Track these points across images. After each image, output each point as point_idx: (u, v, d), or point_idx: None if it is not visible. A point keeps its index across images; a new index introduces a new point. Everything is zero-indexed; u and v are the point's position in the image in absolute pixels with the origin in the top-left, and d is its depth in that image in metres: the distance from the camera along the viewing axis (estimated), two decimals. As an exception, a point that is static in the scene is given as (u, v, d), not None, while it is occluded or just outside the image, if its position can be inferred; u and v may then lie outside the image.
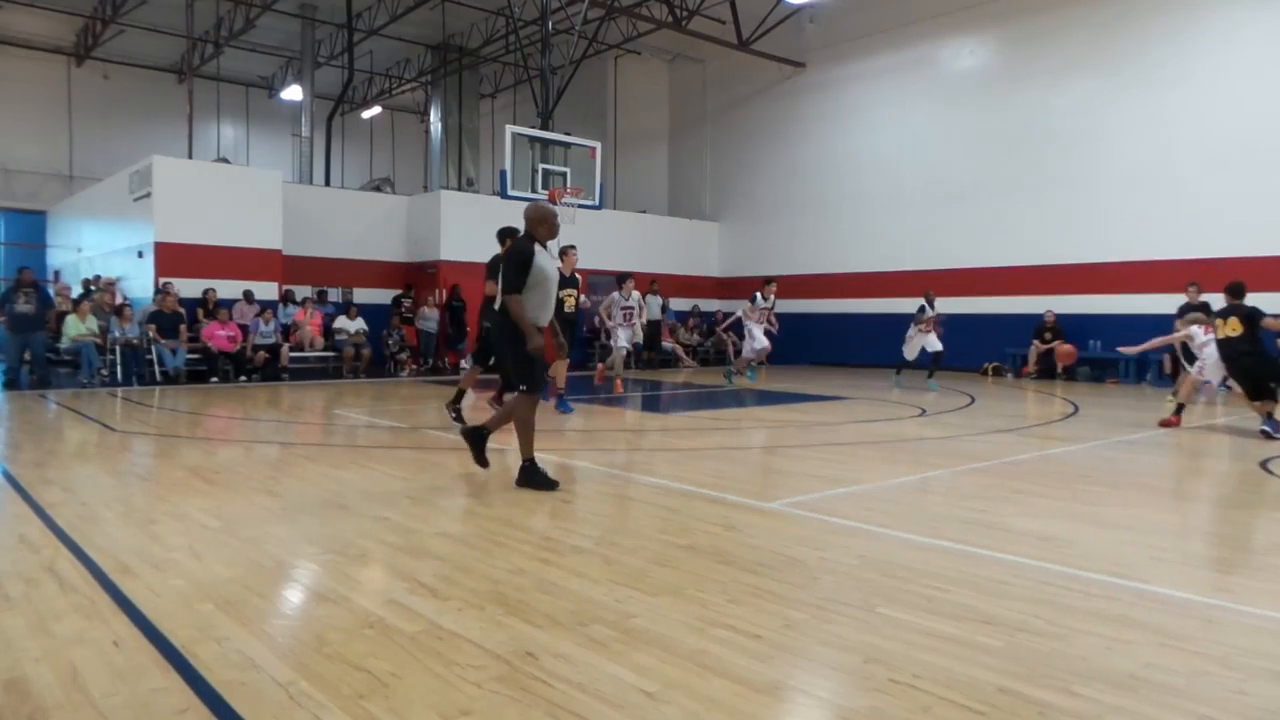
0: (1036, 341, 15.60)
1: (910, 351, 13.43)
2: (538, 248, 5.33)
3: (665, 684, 2.50)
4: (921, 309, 13.39)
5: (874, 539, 4.30)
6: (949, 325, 13.89)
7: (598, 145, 15.32)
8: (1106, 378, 14.94)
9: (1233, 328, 8.32)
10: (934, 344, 13.24)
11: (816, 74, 20.05)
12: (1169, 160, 14.51)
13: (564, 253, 9.36)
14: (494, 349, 5.73)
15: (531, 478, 5.34)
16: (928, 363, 13.33)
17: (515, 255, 5.27)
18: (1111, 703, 2.41)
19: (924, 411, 10.19)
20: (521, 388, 5.33)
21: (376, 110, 26.75)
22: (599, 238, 17.84)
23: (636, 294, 12.12)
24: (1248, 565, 3.99)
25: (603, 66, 22.64)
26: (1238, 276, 13.42)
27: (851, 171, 19.11)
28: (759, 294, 13.73)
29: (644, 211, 21.74)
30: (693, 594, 3.33)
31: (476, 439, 5.60)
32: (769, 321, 13.80)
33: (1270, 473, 6.35)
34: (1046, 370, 15.43)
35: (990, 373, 12.98)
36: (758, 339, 13.68)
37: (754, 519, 4.66)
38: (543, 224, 5.35)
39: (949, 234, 17.41)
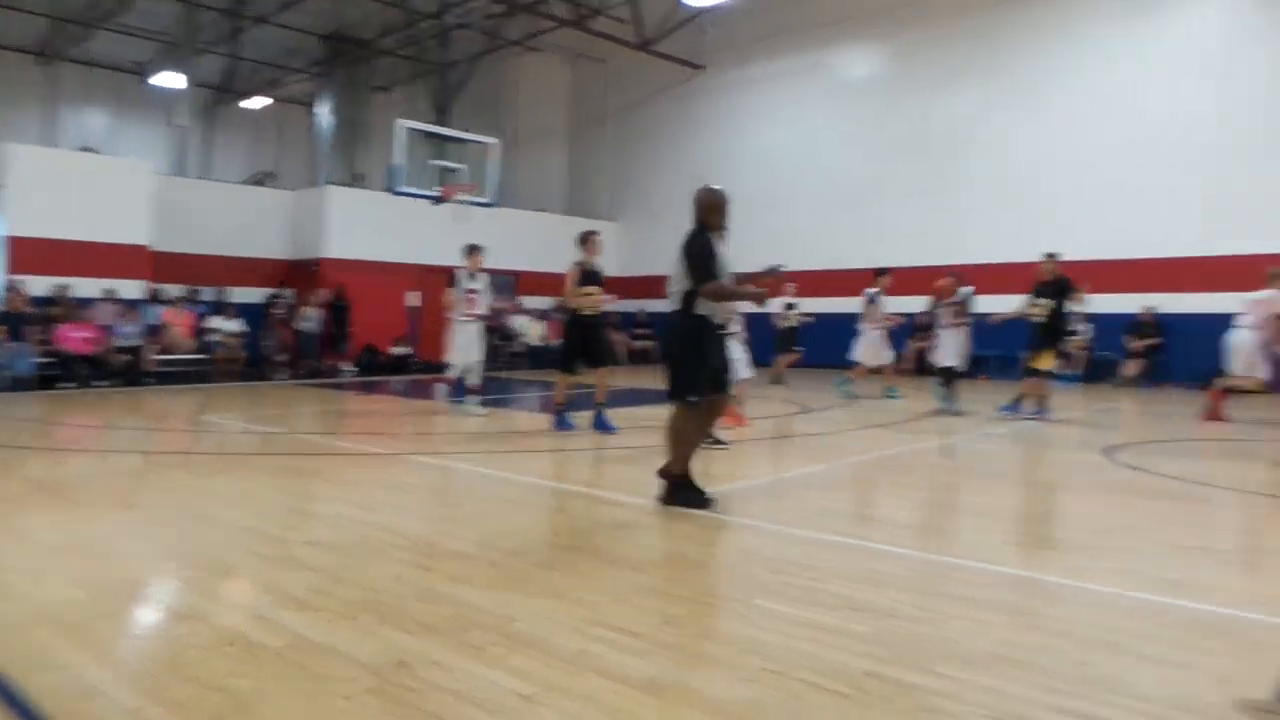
0: (915, 340, 16.28)
1: (948, 354, 10.28)
2: (714, 238, 4.70)
3: (543, 686, 2.47)
4: (937, 297, 10.62)
5: (757, 534, 4.39)
6: (816, 323, 13.99)
7: (495, 142, 15.12)
8: (979, 374, 15.72)
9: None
10: (950, 350, 10.27)
11: (717, 76, 20.40)
12: (1048, 166, 15.43)
13: (585, 239, 8.02)
14: (667, 354, 4.91)
15: (684, 495, 4.72)
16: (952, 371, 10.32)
17: (696, 247, 4.61)
18: (969, 680, 2.53)
19: (807, 409, 10.48)
20: (690, 399, 4.70)
21: (262, 101, 25.57)
22: (495, 236, 17.51)
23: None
24: (1090, 546, 4.27)
25: (502, 63, 22.35)
26: (1115, 277, 14.34)
27: (750, 173, 19.49)
28: (874, 290, 11.43)
29: (541, 210, 21.58)
30: (577, 595, 3.31)
31: (680, 489, 4.80)
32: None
33: (1111, 460, 6.82)
34: (922, 368, 16.12)
35: (876, 371, 13.44)
36: (879, 348, 11.39)
37: (641, 518, 4.67)
38: (715, 211, 4.72)
39: (843, 235, 17.97)
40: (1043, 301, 9.18)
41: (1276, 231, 13.02)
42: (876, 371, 11.81)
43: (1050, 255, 9.37)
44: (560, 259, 21.38)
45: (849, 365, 12.00)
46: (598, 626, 2.95)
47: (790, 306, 14.23)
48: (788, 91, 19.18)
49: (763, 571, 3.69)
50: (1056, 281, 9.24)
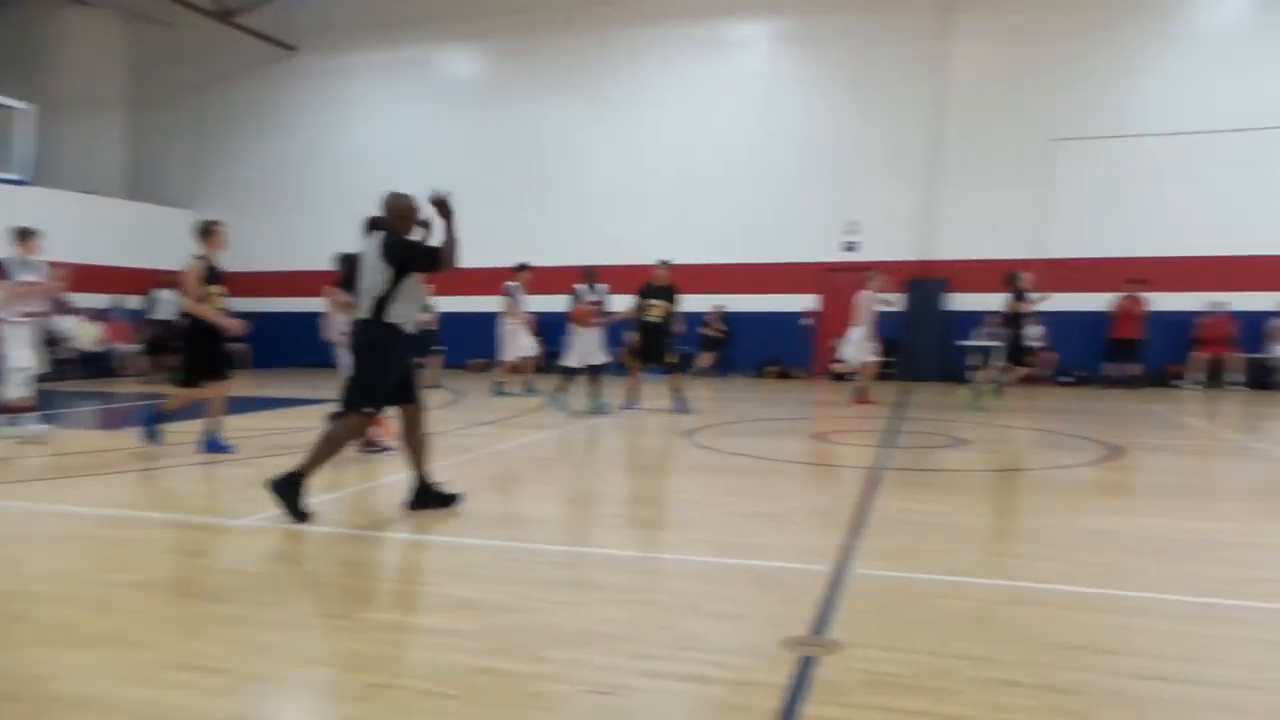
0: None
1: (575, 354, 10.20)
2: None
3: (95, 754, 2.07)
4: (576, 294, 10.26)
5: (357, 542, 4.17)
6: (447, 323, 13.96)
7: (27, 108, 12.50)
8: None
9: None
10: (593, 349, 10.19)
11: (310, 60, 19.10)
12: (637, 178, 16.92)
13: (208, 230, 6.87)
14: (352, 361, 4.77)
15: (289, 493, 4.41)
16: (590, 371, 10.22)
17: (397, 243, 4.63)
18: (571, 659, 2.65)
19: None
20: (366, 410, 4.65)
21: None
22: (29, 220, 14.38)
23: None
24: (675, 520, 4.80)
25: (35, 14, 18.54)
26: (706, 281, 16.10)
27: (345, 166, 18.56)
28: (513, 284, 11.70)
29: (93, 192, 18.30)
30: (140, 638, 2.84)
31: (291, 489, 4.45)
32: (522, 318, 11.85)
33: (689, 442, 7.76)
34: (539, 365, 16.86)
35: (480, 369, 13.59)
36: (522, 342, 11.82)
37: (223, 540, 4.18)
38: (406, 216, 4.82)
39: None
40: (658, 302, 10.06)
41: (808, 244, 15.95)
42: (521, 366, 12.08)
43: (663, 262, 10.25)
44: (119, 250, 18.54)
45: (462, 365, 12.07)
46: (170, 670, 2.56)
47: (426, 309, 13.93)
48: (386, 85, 18.72)
49: (367, 582, 3.53)
50: (668, 286, 10.17)
